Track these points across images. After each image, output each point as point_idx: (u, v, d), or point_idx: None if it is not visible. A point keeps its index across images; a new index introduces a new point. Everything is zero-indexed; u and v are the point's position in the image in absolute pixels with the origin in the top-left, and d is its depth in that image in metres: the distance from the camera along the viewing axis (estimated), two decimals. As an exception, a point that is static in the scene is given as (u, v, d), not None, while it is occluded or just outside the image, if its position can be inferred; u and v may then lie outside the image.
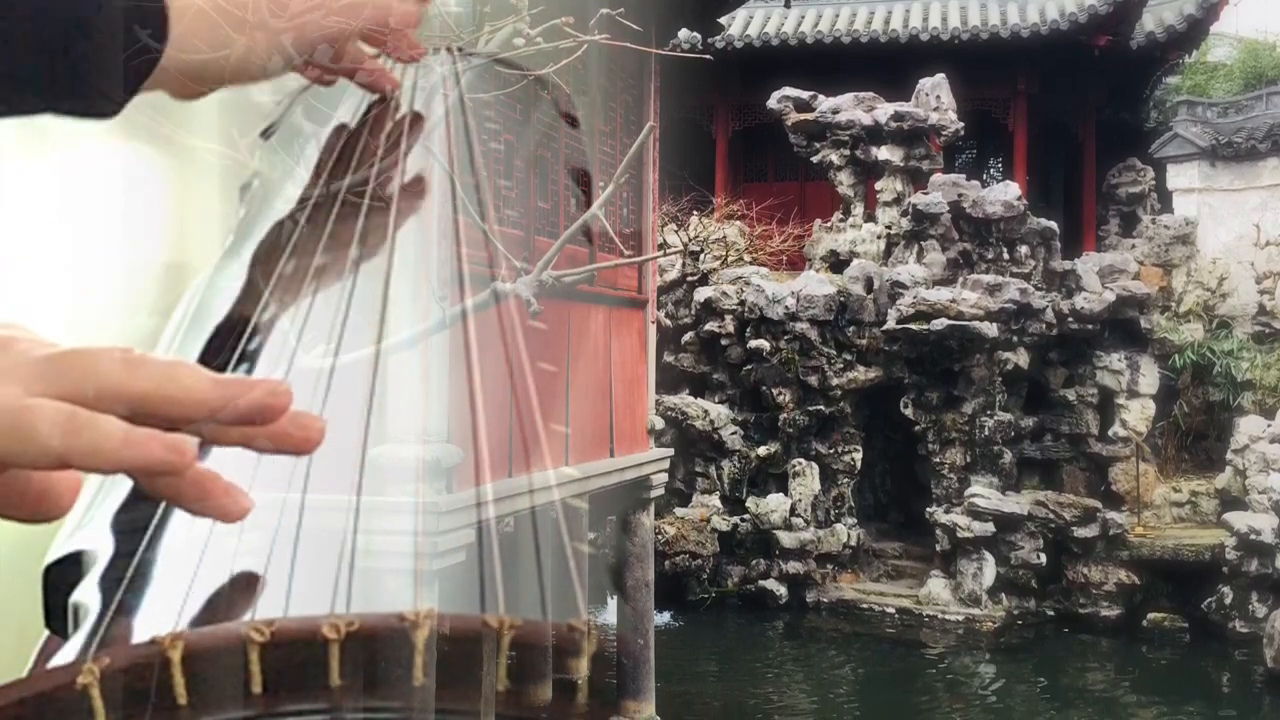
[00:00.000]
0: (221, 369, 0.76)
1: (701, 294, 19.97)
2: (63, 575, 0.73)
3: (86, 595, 0.71)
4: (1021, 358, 18.69)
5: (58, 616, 0.72)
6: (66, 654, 0.70)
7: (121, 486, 0.73)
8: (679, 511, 19.00)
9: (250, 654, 0.68)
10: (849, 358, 19.22)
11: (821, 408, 19.08)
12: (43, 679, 0.65)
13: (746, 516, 18.93)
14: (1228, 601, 17.10)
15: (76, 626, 0.70)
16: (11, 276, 1.19)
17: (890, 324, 18.64)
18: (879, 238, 20.49)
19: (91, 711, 0.65)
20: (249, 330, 0.81)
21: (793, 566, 18.70)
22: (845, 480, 19.41)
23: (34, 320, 0.73)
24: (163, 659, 0.66)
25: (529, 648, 0.70)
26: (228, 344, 0.81)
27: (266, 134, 1.02)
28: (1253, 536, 16.64)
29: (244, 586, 0.73)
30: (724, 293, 19.80)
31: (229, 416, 0.67)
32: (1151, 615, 17.97)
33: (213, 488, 0.68)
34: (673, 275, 20.32)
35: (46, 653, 0.72)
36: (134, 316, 0.70)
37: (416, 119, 0.96)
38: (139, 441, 0.66)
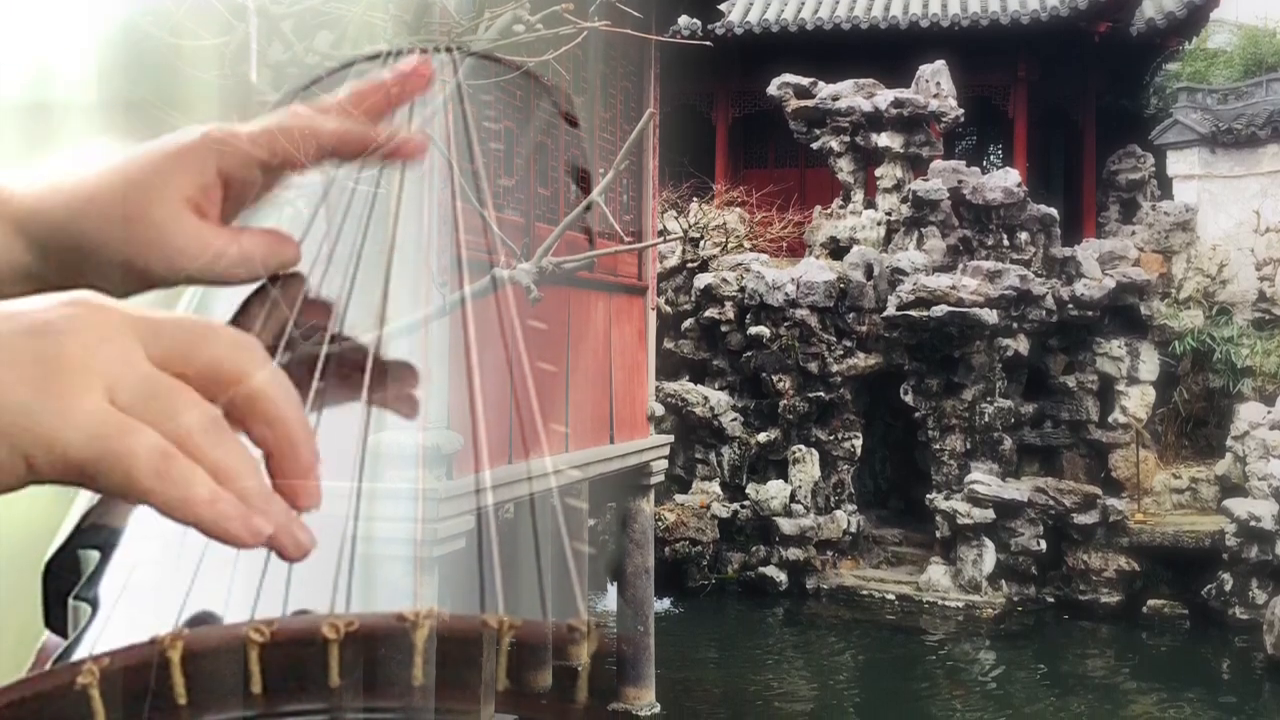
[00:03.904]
0: None
1: (702, 281, 19.97)
2: (62, 575, 0.72)
3: (86, 595, 0.71)
4: (1021, 344, 18.70)
5: (57, 616, 0.72)
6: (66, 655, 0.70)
7: None
8: (679, 498, 19.02)
9: (250, 654, 0.68)
10: (849, 344, 19.23)
11: (821, 394, 19.09)
12: (43, 679, 0.65)
13: (746, 503, 18.95)
14: (1228, 588, 17.12)
15: (76, 626, 0.70)
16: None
17: (890, 310, 18.64)
18: (879, 224, 20.47)
19: (91, 711, 0.64)
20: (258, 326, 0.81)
21: (793, 553, 18.72)
22: (845, 467, 19.42)
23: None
24: (163, 659, 0.66)
25: (529, 648, 0.70)
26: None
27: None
28: (1253, 523, 16.65)
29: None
30: (724, 279, 19.80)
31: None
32: (1151, 602, 17.99)
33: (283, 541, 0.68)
34: (673, 262, 20.31)
35: (46, 653, 0.72)
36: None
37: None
38: (222, 513, 0.65)
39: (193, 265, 0.84)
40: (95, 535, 0.70)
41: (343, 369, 0.82)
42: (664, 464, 14.27)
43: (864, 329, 19.16)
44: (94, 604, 0.71)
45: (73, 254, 0.83)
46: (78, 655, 0.68)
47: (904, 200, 20.07)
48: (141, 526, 0.73)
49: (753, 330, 19.32)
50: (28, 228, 0.83)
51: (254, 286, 0.86)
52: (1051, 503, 18.18)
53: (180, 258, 0.83)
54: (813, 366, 19.03)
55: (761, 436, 19.23)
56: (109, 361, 0.65)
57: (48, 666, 0.68)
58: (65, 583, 0.71)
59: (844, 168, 21.35)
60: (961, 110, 21.15)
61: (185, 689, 0.67)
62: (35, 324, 0.65)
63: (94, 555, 0.72)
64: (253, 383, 0.68)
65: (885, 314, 18.79)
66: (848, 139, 21.15)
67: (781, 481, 19.00)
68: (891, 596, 18.40)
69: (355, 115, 0.88)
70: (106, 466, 0.64)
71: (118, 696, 0.65)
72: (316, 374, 0.79)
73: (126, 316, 0.68)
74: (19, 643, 0.74)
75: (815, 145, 21.67)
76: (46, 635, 0.73)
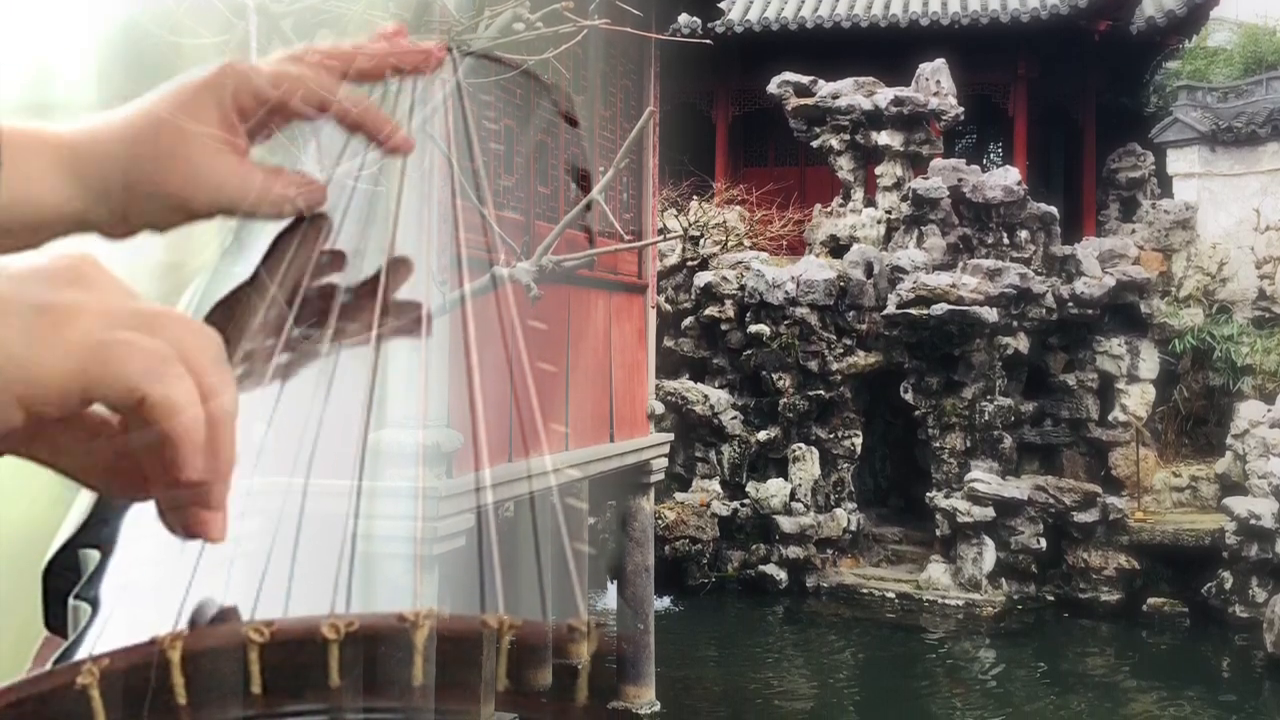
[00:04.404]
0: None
1: (701, 279, 19.96)
2: (62, 575, 0.73)
3: (86, 595, 0.71)
4: (1021, 343, 18.70)
5: (57, 616, 0.72)
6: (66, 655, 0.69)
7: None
8: (679, 496, 19.01)
9: (250, 654, 0.68)
10: (849, 343, 19.22)
11: (821, 393, 19.09)
12: (43, 679, 0.65)
13: (746, 501, 18.94)
14: (1228, 586, 17.11)
15: (76, 626, 0.70)
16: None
17: (890, 309, 18.63)
18: (879, 223, 20.48)
19: (91, 711, 0.64)
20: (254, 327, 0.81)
21: (793, 551, 18.72)
22: (845, 465, 19.41)
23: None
24: (162, 659, 0.66)
25: (529, 647, 0.70)
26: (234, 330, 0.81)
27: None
28: (1253, 521, 16.65)
29: None
30: (724, 278, 19.80)
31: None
32: (1151, 600, 17.99)
33: (205, 519, 0.69)
34: (673, 260, 20.31)
35: (46, 653, 0.72)
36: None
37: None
38: (188, 428, 0.66)
39: (235, 202, 0.86)
40: (95, 534, 0.70)
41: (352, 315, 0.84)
42: (664, 462, 14.27)
43: (864, 327, 19.16)
44: (94, 604, 0.71)
45: (122, 194, 0.85)
46: (78, 655, 0.69)
47: (904, 198, 20.08)
48: (140, 526, 0.73)
49: (753, 328, 19.32)
50: (79, 171, 0.85)
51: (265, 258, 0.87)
52: (1051, 501, 18.18)
53: (221, 194, 0.86)
54: (813, 365, 19.03)
55: (761, 435, 19.22)
56: (98, 304, 0.67)
57: (48, 666, 0.68)
58: (65, 583, 0.71)
59: (844, 166, 21.35)
60: (961, 108, 21.15)
61: (185, 689, 0.67)
62: (28, 278, 0.68)
63: (94, 555, 0.72)
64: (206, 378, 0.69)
65: (885, 312, 18.78)
66: (848, 137, 21.15)
67: (781, 480, 19.00)
68: (891, 595, 18.40)
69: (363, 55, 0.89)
70: (102, 371, 0.66)
71: (118, 696, 0.65)
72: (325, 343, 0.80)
73: (115, 280, 0.70)
74: (19, 643, 0.74)
75: (815, 143, 21.67)
76: (46, 635, 0.73)
